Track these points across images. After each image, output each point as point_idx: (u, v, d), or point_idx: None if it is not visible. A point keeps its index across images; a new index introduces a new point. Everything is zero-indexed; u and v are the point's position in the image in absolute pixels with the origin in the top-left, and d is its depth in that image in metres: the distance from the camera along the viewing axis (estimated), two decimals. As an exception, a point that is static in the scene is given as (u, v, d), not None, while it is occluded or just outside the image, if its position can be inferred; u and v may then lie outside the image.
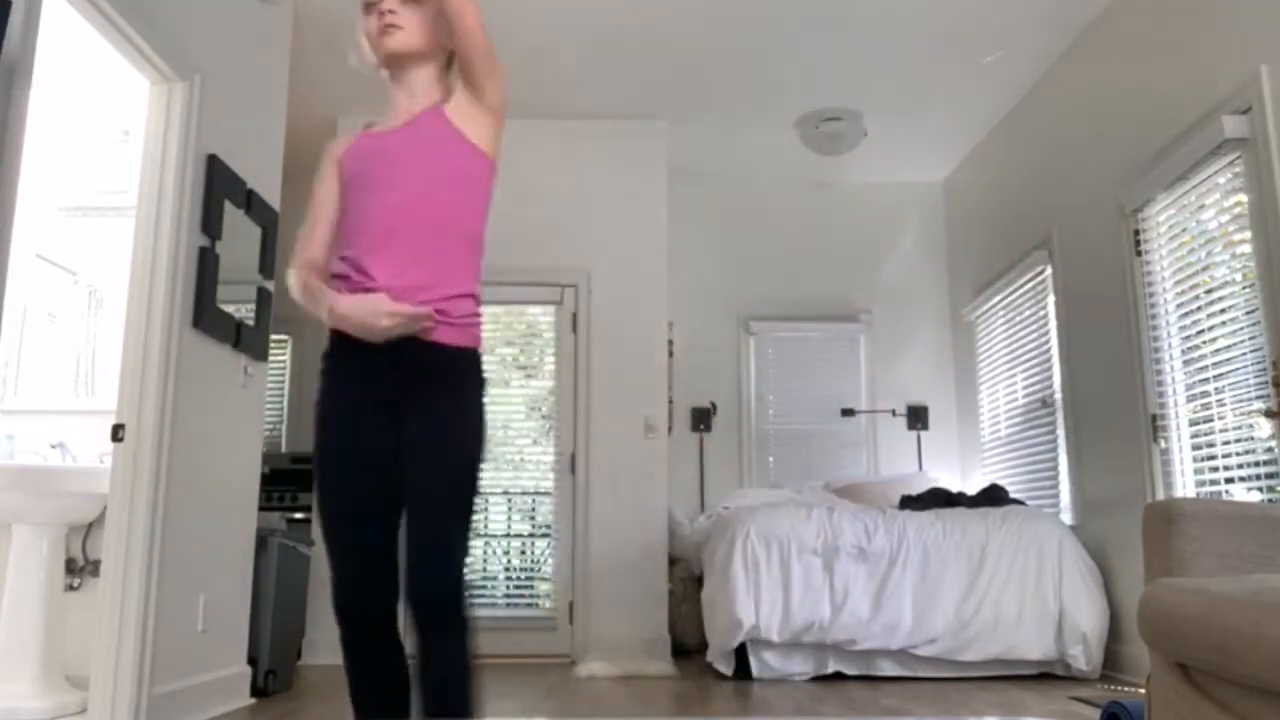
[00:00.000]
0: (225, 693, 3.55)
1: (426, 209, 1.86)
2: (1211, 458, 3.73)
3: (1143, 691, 1.84)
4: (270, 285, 3.98)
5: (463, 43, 1.88)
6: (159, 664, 3.11)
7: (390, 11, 1.93)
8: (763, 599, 4.23)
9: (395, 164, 1.87)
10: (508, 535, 5.26)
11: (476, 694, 1.87)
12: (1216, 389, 3.68)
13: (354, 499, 1.83)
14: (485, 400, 1.90)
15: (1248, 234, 3.45)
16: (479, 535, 5.26)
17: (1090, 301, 4.58)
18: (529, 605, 5.18)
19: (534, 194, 5.52)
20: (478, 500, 1.86)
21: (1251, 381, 3.47)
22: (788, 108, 5.48)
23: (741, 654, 4.30)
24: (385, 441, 1.82)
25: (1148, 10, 4.10)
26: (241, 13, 3.82)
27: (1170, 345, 3.97)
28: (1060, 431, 4.88)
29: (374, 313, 1.76)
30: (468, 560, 1.86)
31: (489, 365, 5.92)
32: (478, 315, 1.93)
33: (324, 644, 4.94)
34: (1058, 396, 4.92)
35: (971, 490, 5.53)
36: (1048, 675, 4.27)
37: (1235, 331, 3.57)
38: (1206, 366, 3.74)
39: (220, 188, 3.50)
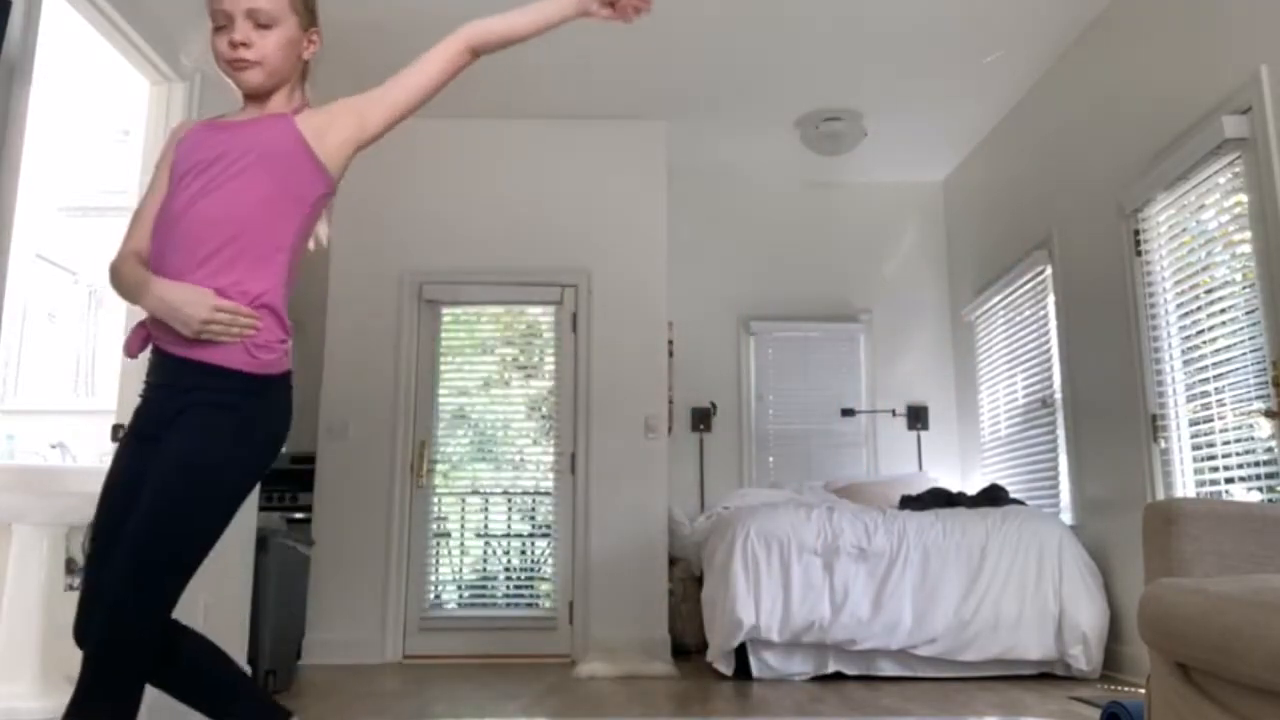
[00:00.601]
0: (225, 693, 3.55)
1: (241, 215, 1.75)
2: (1211, 458, 3.73)
3: (1143, 691, 1.84)
4: (270, 285, 3.98)
5: (411, 101, 1.89)
6: (159, 664, 3.10)
7: (243, 45, 1.81)
8: (763, 599, 4.22)
9: (220, 162, 1.78)
10: (508, 535, 5.26)
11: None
12: (1216, 389, 3.68)
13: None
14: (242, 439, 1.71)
15: (1248, 234, 3.45)
16: (479, 535, 5.26)
17: (1090, 301, 4.58)
18: (529, 605, 5.18)
19: (534, 194, 5.52)
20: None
21: (1251, 381, 3.47)
22: (788, 108, 5.48)
23: (741, 654, 4.30)
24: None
25: (1147, 10, 4.10)
26: (241, 13, 3.82)
27: (1170, 345, 3.97)
28: (1060, 431, 4.88)
29: (197, 303, 1.65)
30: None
31: (489, 365, 5.84)
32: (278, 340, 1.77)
33: (324, 644, 4.94)
34: (1058, 396, 4.92)
35: (971, 490, 5.52)
36: (1048, 675, 4.27)
37: (1235, 331, 3.57)
38: (1206, 366, 3.74)
39: (220, 188, 3.50)
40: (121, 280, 1.76)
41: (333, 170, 1.87)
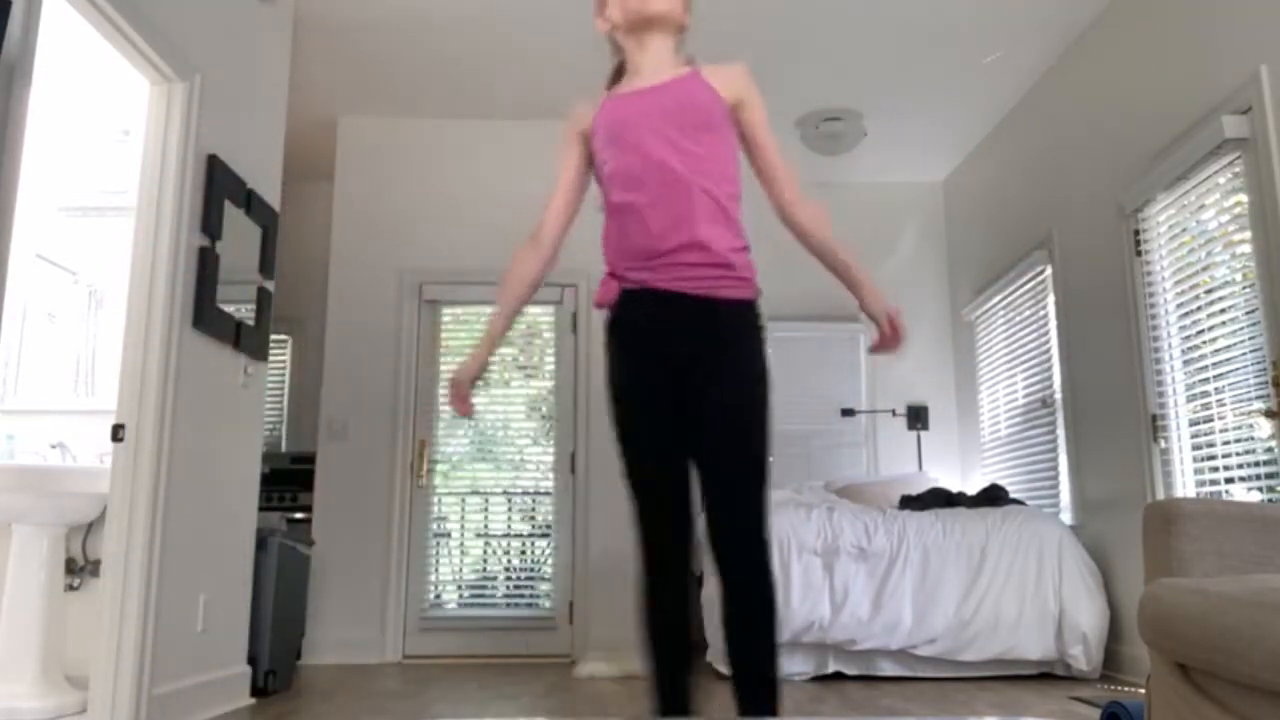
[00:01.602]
0: (225, 693, 3.55)
1: (698, 165, 1.93)
2: (1211, 458, 3.73)
3: (1143, 691, 1.84)
4: (270, 285, 3.98)
5: (757, 158, 2.05)
6: (159, 664, 3.11)
7: None
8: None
9: (659, 120, 1.95)
10: (508, 535, 5.26)
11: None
12: (1216, 389, 3.68)
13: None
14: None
15: (1248, 234, 3.45)
16: (479, 535, 5.26)
17: (1090, 301, 4.58)
18: (529, 605, 5.18)
19: (534, 194, 5.51)
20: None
21: (1251, 381, 3.47)
22: (788, 108, 5.48)
23: (741, 654, 4.29)
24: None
25: (1148, 10, 4.10)
26: (241, 13, 3.82)
27: (1170, 345, 3.97)
28: (1060, 431, 4.88)
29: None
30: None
31: (489, 365, 5.91)
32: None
33: (324, 644, 4.95)
34: (1058, 396, 4.92)
35: (971, 490, 5.53)
36: (1048, 675, 4.27)
37: (1235, 331, 3.57)
38: (1206, 366, 3.74)
39: (220, 188, 3.50)
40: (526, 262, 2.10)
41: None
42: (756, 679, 1.84)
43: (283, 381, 6.17)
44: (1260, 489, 3.45)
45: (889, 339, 1.97)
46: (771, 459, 1.91)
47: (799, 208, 2.03)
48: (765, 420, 1.90)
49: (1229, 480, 3.63)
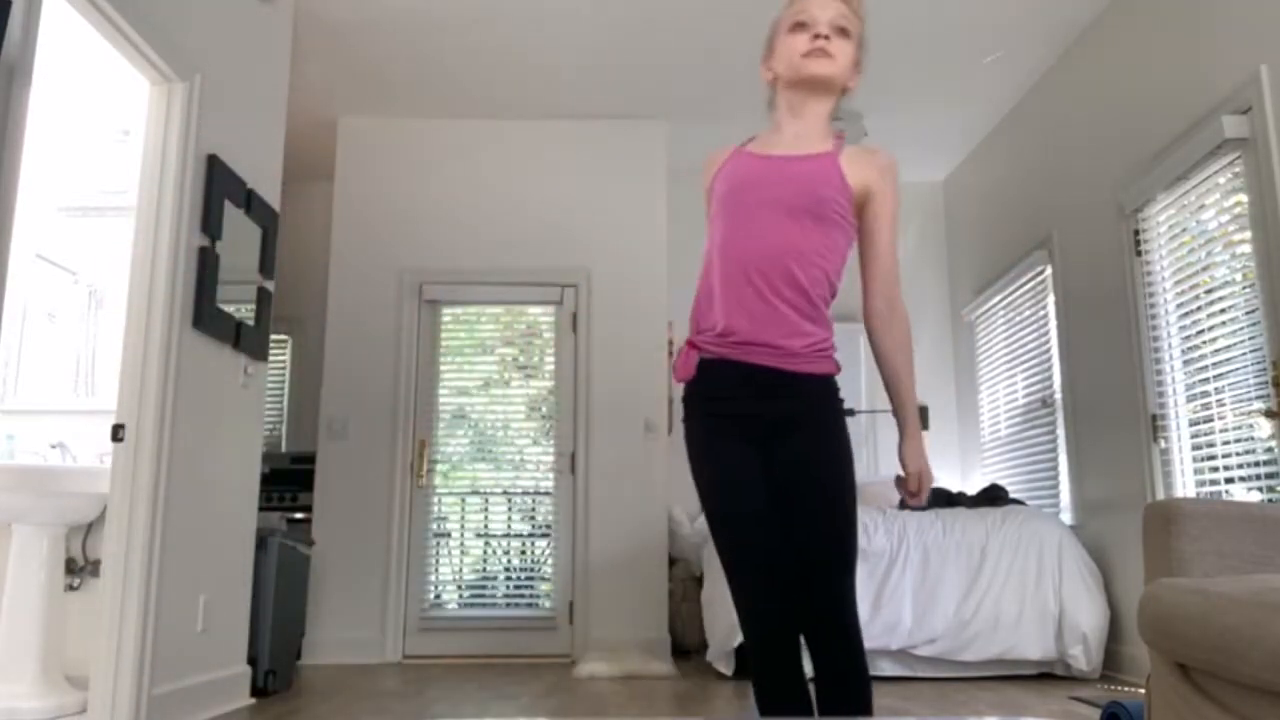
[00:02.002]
0: (225, 693, 3.55)
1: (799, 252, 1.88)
2: (1211, 458, 3.73)
3: (1143, 691, 1.84)
4: (270, 285, 3.98)
5: (868, 247, 1.96)
6: (159, 664, 3.11)
7: (826, 38, 1.93)
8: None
9: (776, 193, 1.89)
10: (508, 535, 5.26)
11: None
12: (1216, 389, 3.68)
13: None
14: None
15: (1248, 234, 3.45)
16: (479, 535, 5.27)
17: (1090, 301, 4.58)
18: (529, 605, 5.18)
19: (534, 194, 5.52)
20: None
21: (1251, 381, 3.47)
22: (788, 108, 5.47)
23: (741, 654, 4.29)
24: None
25: (1147, 10, 4.10)
26: (241, 13, 3.82)
27: (1170, 345, 3.97)
28: (1060, 431, 4.87)
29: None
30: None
31: (489, 365, 5.87)
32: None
33: (324, 644, 4.95)
34: (1058, 396, 4.92)
35: (971, 490, 5.53)
36: (1048, 675, 4.27)
37: (1235, 331, 3.57)
38: (1206, 366, 3.74)
39: (220, 188, 3.50)
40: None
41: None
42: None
43: (283, 381, 6.17)
44: (1260, 489, 3.45)
45: (910, 495, 1.95)
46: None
47: (885, 321, 1.98)
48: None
49: (1229, 480, 3.63)
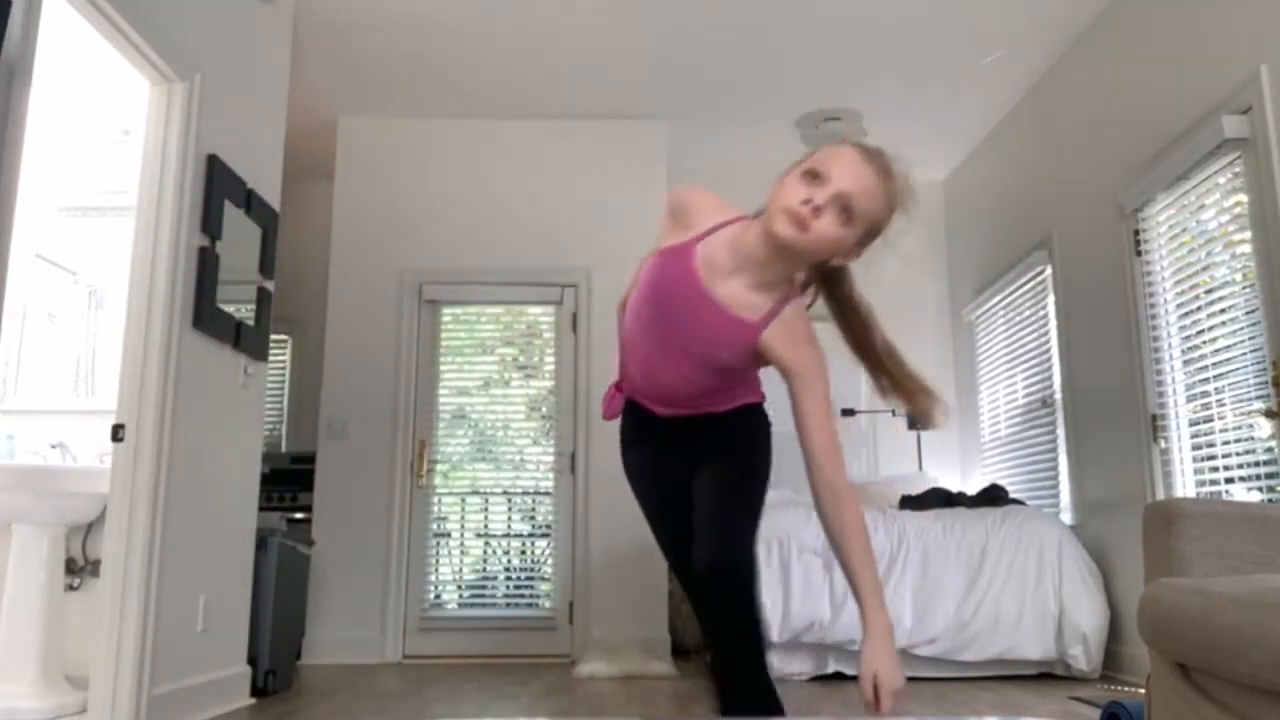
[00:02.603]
0: (225, 693, 3.55)
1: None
2: (1211, 458, 3.73)
3: (1143, 691, 1.84)
4: (270, 285, 3.98)
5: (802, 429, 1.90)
6: (159, 664, 3.11)
7: (819, 209, 1.74)
8: (763, 599, 4.22)
9: (685, 325, 1.92)
10: (508, 535, 5.26)
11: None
12: (1216, 389, 3.68)
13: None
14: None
15: (1248, 234, 3.45)
16: (479, 535, 5.26)
17: (1090, 301, 4.57)
18: (529, 605, 5.18)
19: (534, 194, 5.52)
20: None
21: (1251, 381, 3.47)
22: (788, 108, 5.48)
23: (741, 654, 4.29)
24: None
25: (1147, 10, 4.10)
26: (241, 13, 3.82)
27: (1170, 345, 3.97)
28: (1060, 431, 4.87)
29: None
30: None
31: (489, 365, 5.85)
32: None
33: (324, 644, 4.94)
34: (1058, 396, 4.92)
35: (971, 490, 5.52)
36: (1048, 675, 4.27)
37: (1235, 331, 3.57)
38: (1206, 366, 3.74)
39: (220, 188, 3.50)
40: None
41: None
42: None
43: (283, 381, 6.17)
44: (1260, 489, 3.45)
45: (868, 701, 1.69)
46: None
47: (832, 507, 1.85)
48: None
49: (1229, 480, 3.63)
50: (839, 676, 4.29)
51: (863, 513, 1.86)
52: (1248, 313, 3.48)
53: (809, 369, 1.83)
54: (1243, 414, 3.54)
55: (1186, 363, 3.87)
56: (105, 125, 4.40)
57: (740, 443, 2.07)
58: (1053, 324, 4.98)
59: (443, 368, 5.38)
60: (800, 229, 1.74)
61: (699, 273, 1.86)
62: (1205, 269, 3.76)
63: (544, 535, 5.24)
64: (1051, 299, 4.98)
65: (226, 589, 3.63)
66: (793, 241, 1.76)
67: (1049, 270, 5.01)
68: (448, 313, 5.45)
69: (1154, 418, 4.02)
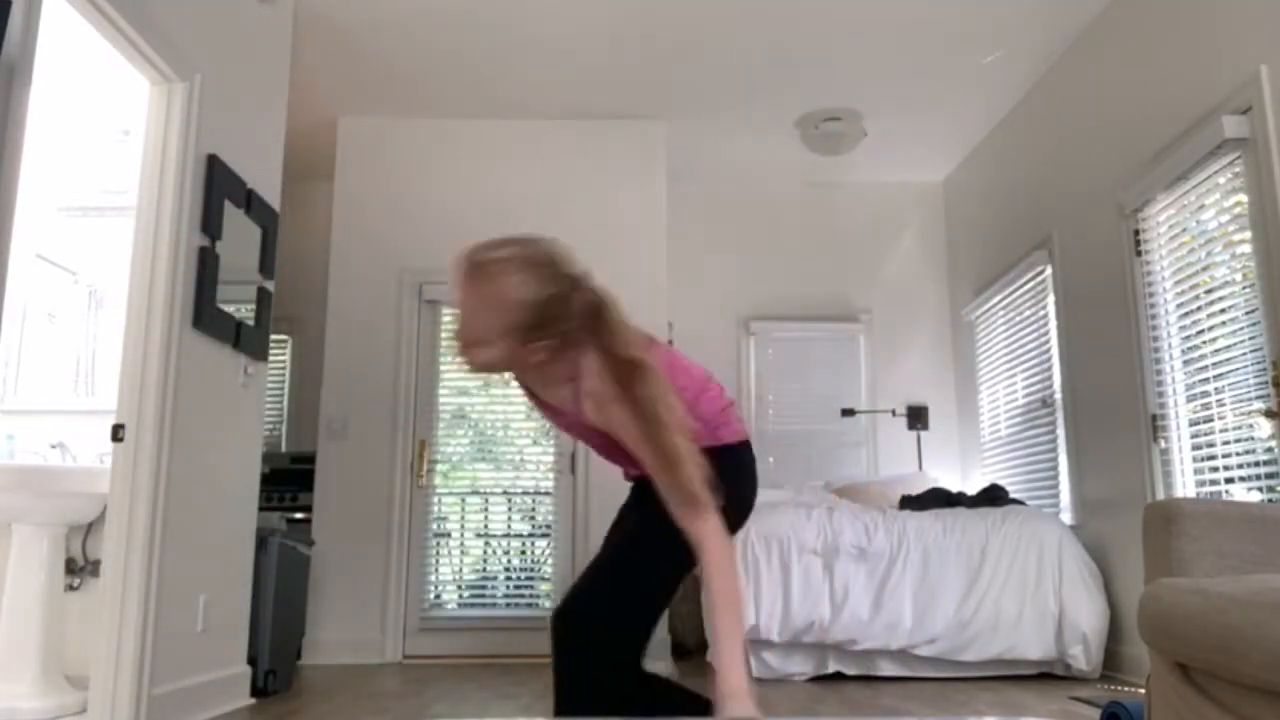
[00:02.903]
0: (225, 693, 3.55)
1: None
2: (1211, 458, 3.73)
3: (1143, 691, 1.84)
4: (270, 285, 3.98)
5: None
6: (159, 664, 3.11)
7: (457, 341, 1.79)
8: (763, 599, 4.23)
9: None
10: (508, 535, 5.26)
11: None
12: (1216, 389, 3.68)
13: None
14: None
15: (1248, 234, 3.45)
16: (479, 535, 5.26)
17: (1090, 301, 4.58)
18: (529, 605, 5.18)
19: (534, 194, 5.52)
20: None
21: (1251, 381, 3.47)
22: (788, 108, 5.48)
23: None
24: None
25: (1147, 10, 4.10)
26: (241, 13, 3.82)
27: (1170, 345, 3.97)
28: (1060, 431, 4.87)
29: None
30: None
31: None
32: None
33: (324, 644, 4.94)
34: (1058, 396, 4.92)
35: (971, 490, 5.52)
36: (1048, 675, 4.27)
37: (1235, 331, 3.57)
38: (1206, 366, 3.74)
39: (220, 188, 3.50)
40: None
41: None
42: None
43: (283, 381, 6.17)
44: (1260, 489, 3.45)
45: None
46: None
47: (695, 544, 1.66)
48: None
49: (1229, 480, 3.63)
50: (839, 676, 4.29)
51: (730, 549, 1.71)
52: (1248, 313, 3.48)
53: (623, 425, 1.74)
54: (1243, 414, 3.54)
55: (1186, 363, 3.87)
56: (105, 125, 4.40)
57: (640, 514, 2.05)
58: (1053, 324, 4.98)
59: (443, 367, 5.38)
60: (466, 364, 1.80)
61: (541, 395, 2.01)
62: (1205, 269, 3.76)
63: (544, 535, 5.24)
64: (1051, 299, 4.99)
65: (226, 589, 3.63)
66: (475, 373, 1.85)
67: (1049, 270, 5.01)
68: (448, 313, 5.45)
69: (1154, 418, 4.02)
